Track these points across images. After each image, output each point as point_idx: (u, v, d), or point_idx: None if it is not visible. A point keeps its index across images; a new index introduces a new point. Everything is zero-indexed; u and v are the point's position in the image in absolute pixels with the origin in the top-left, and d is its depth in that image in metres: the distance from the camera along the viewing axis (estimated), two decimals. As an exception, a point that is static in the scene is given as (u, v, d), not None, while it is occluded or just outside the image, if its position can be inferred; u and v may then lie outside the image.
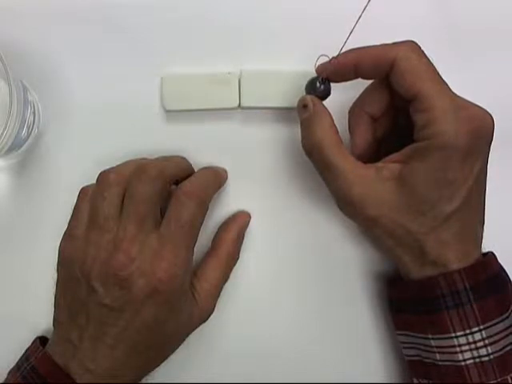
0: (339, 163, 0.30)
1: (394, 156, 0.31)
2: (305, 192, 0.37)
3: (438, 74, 0.30)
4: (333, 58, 0.31)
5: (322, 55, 0.31)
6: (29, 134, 0.35)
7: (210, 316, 0.34)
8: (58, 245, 0.32)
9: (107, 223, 0.30)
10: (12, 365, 0.33)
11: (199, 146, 0.37)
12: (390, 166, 0.30)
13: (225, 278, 0.35)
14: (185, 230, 0.31)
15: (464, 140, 0.29)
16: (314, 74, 0.32)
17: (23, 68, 0.36)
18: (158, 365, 0.33)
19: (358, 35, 0.36)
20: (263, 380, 0.36)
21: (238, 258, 0.36)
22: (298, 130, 0.37)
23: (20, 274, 0.37)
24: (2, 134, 0.30)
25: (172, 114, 0.37)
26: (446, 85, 0.30)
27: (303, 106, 0.31)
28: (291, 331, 0.37)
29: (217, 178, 0.35)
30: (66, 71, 0.37)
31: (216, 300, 0.34)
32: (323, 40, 0.36)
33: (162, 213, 0.32)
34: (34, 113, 0.35)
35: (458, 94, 0.37)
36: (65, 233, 0.32)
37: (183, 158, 0.35)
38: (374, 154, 0.34)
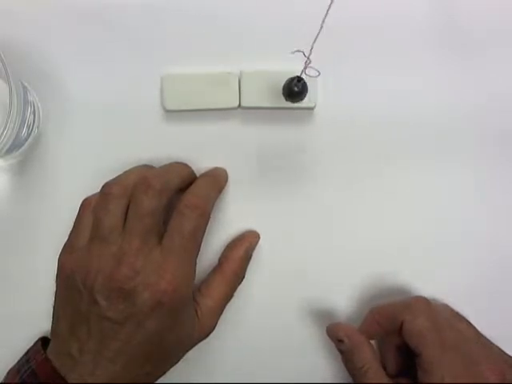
0: None
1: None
2: (305, 192, 0.37)
3: (447, 332, 0.31)
4: (307, 59, 0.29)
5: (296, 51, 0.30)
6: (29, 134, 0.35)
7: (210, 333, 0.33)
8: (58, 245, 0.32)
9: (111, 236, 0.30)
10: (11, 365, 0.33)
11: (199, 145, 0.37)
12: None
13: (229, 296, 0.34)
14: (187, 242, 0.31)
15: None
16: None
17: (23, 68, 0.36)
18: (156, 379, 0.32)
19: (358, 35, 0.37)
20: None
21: (243, 277, 0.35)
22: (297, 131, 0.37)
23: (20, 274, 0.37)
24: (2, 133, 0.30)
25: (172, 114, 0.37)
26: (457, 344, 0.31)
27: (338, 340, 0.33)
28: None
29: (217, 185, 0.35)
30: (65, 71, 0.37)
31: (218, 318, 0.34)
32: (323, 40, 0.37)
33: (165, 223, 0.32)
34: (33, 113, 0.35)
35: (457, 94, 0.37)
36: (65, 244, 0.32)
37: (184, 165, 0.35)
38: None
